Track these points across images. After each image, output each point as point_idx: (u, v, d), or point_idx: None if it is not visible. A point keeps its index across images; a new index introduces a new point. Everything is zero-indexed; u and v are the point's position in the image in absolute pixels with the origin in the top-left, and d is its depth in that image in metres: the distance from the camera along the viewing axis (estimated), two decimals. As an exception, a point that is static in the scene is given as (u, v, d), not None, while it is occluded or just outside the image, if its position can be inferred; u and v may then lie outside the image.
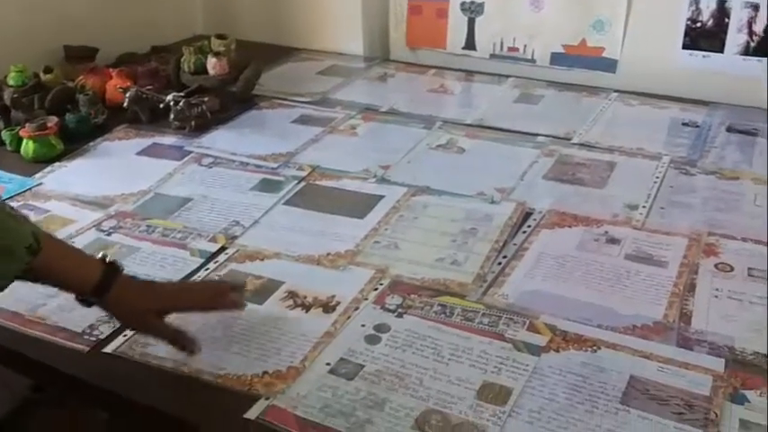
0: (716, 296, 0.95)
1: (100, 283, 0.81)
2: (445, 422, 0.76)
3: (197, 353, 0.85)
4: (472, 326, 0.90)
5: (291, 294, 0.98)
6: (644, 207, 1.17)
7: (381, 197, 1.22)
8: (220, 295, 0.90)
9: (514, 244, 1.08)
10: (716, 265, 1.02)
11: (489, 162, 1.34)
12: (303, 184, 1.27)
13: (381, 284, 0.99)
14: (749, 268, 1.00)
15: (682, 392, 0.79)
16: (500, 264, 1.03)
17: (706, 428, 0.74)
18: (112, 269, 0.83)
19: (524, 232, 1.11)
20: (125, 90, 1.51)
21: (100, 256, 0.85)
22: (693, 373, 0.81)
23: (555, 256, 1.04)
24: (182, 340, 0.86)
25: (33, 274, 0.79)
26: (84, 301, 0.83)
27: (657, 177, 1.26)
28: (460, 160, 1.36)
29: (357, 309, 0.94)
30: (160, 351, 0.87)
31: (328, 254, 1.06)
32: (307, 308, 0.95)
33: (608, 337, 0.88)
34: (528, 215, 1.16)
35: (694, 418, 0.75)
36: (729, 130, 1.45)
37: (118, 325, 0.90)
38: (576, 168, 1.31)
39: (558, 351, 0.85)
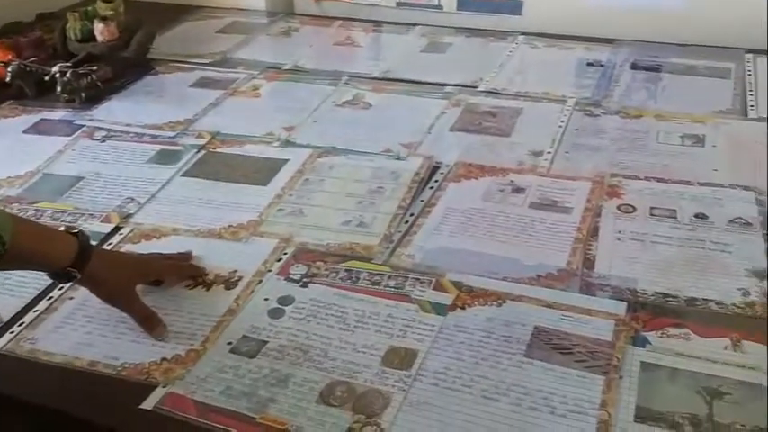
0: (618, 239, 0.96)
1: (79, 255, 0.79)
2: (350, 392, 0.74)
3: (165, 337, 0.83)
4: (378, 290, 0.88)
5: (191, 272, 0.94)
6: (549, 153, 1.17)
7: (286, 161, 1.18)
8: (185, 260, 0.95)
9: (422, 201, 1.06)
10: (618, 207, 1.02)
11: (396, 116, 1.31)
12: (203, 152, 1.21)
13: (285, 254, 0.96)
14: (651, 208, 1.01)
15: (585, 340, 0.79)
16: (407, 222, 1.01)
17: (608, 374, 0.74)
18: (86, 240, 0.82)
19: (431, 188, 1.09)
20: (6, 64, 1.40)
21: (63, 229, 0.83)
22: (596, 319, 0.82)
23: (461, 211, 1.03)
24: (155, 321, 0.84)
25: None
26: (60, 275, 0.81)
27: (562, 121, 1.25)
28: (367, 116, 1.32)
29: (260, 282, 0.91)
30: (50, 346, 0.82)
31: (230, 226, 1.02)
32: (208, 285, 0.91)
33: (513, 289, 0.87)
34: (435, 169, 1.14)
35: (596, 365, 0.76)
36: (634, 67, 1.46)
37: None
38: (482, 117, 1.29)
39: (463, 308, 0.85)
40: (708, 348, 0.77)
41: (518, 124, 1.26)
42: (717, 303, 0.83)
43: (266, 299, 0.88)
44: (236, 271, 0.93)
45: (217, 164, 1.18)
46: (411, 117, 1.30)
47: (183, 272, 0.93)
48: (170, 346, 0.81)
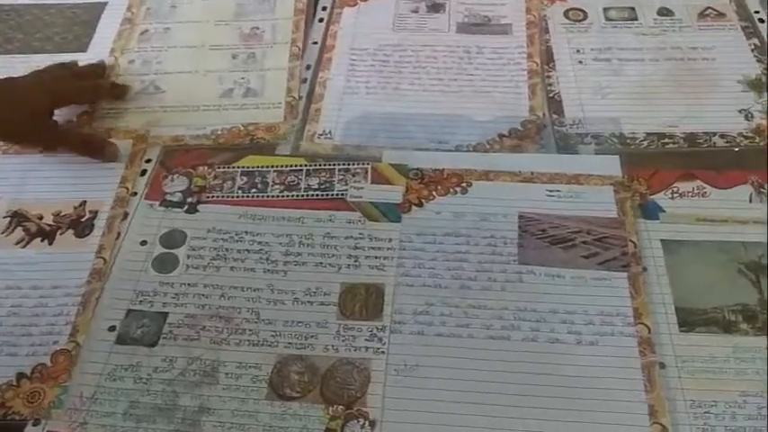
0: (580, 61, 0.75)
1: None
2: (311, 372, 0.53)
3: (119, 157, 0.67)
4: (300, 196, 0.64)
5: (16, 217, 0.64)
6: (458, -58, 0.89)
7: (103, 5, 0.83)
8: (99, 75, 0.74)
9: (314, 43, 0.78)
10: (566, 14, 0.80)
11: None
12: (-27, 10, 0.83)
13: (149, 161, 0.67)
14: (605, 9, 0.80)
15: (585, 222, 0.61)
16: (305, 81, 0.74)
17: (629, 269, 0.58)
18: None
19: (321, 20, 0.80)
20: None
21: None
22: (590, 188, 0.63)
23: (371, 52, 0.77)
24: (97, 142, 0.68)
25: None
26: None
27: None
28: None
29: (125, 217, 0.63)
30: None
31: (52, 130, 0.70)
32: (49, 236, 0.62)
33: (474, 162, 0.66)
34: (319, -13, 0.84)
35: (611, 258, 0.59)
36: None
37: None
38: None
39: (420, 205, 0.63)
40: (730, 204, 0.62)
41: None
42: (721, 137, 0.67)
43: (143, 242, 0.61)
44: (83, 203, 0.64)
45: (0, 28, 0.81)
46: None
47: (103, 93, 0.73)
48: (25, 354, 0.55)
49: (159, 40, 0.79)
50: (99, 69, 0.74)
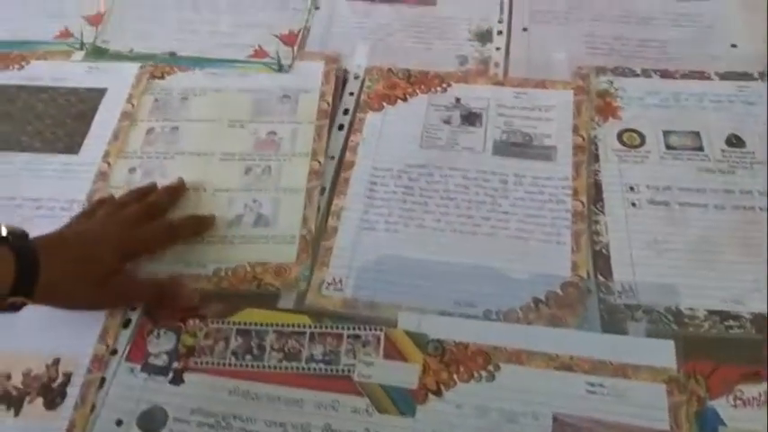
0: (633, 203, 0.65)
1: (20, 273, 0.51)
2: None
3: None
4: (300, 370, 0.56)
5: (-18, 374, 0.57)
6: (500, 33, 0.79)
7: (101, 93, 0.75)
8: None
9: (332, 157, 0.69)
10: (620, 136, 0.70)
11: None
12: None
13: (135, 308, 0.60)
14: (665, 133, 0.70)
15: None
16: (319, 210, 0.65)
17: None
18: (24, 244, 0.53)
19: (341, 127, 0.71)
20: None
21: None
22: (638, 385, 0.54)
23: (395, 173, 0.67)
24: (175, 286, 0.60)
25: None
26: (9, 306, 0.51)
27: (511, -31, 0.86)
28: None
29: (102, 384, 0.55)
30: None
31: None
32: (15, 403, 0.55)
33: (505, 335, 0.57)
34: (344, 83, 0.75)
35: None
36: None
37: None
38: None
39: (438, 393, 0.54)
40: (803, 420, 0.53)
41: (445, -17, 0.85)
42: (796, 322, 0.57)
43: (119, 421, 0.54)
44: (57, 361, 0.57)
45: (-13, 113, 0.73)
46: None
47: (181, 236, 0.63)
48: None
49: (165, 142, 0.70)
50: (175, 193, 0.66)
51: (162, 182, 0.67)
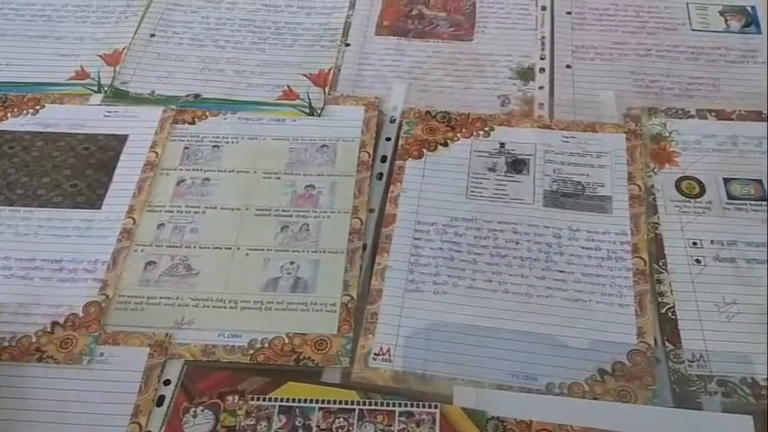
0: (698, 260, 0.61)
1: None
2: None
3: None
4: (349, 454, 0.52)
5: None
6: (542, 71, 0.75)
7: (123, 140, 0.70)
8: None
9: (371, 210, 0.65)
10: (678, 185, 0.66)
11: (284, 16, 0.81)
12: (-29, 142, 0.71)
13: (169, 383, 0.55)
14: (725, 181, 0.66)
15: None
16: (361, 269, 0.61)
17: None
18: None
19: (380, 176, 0.67)
20: None
21: None
22: (718, 468, 0.50)
23: (440, 228, 0.63)
24: None
25: None
26: None
27: (544, 5, 0.81)
28: (234, 20, 0.82)
29: (136, 473, 0.51)
30: None
31: (42, 330, 0.57)
32: (41, 494, 0.51)
33: (569, 413, 0.52)
34: (379, 127, 0.71)
35: None
36: None
37: None
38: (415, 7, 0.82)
39: (503, 479, 0.50)
40: None
41: (480, 11, 0.81)
42: None
43: None
44: (82, 444, 0.52)
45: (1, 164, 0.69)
46: (306, 15, 0.81)
47: None
48: None
49: (196, 194, 0.65)
50: None
51: (193, 239, 0.62)
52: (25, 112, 0.73)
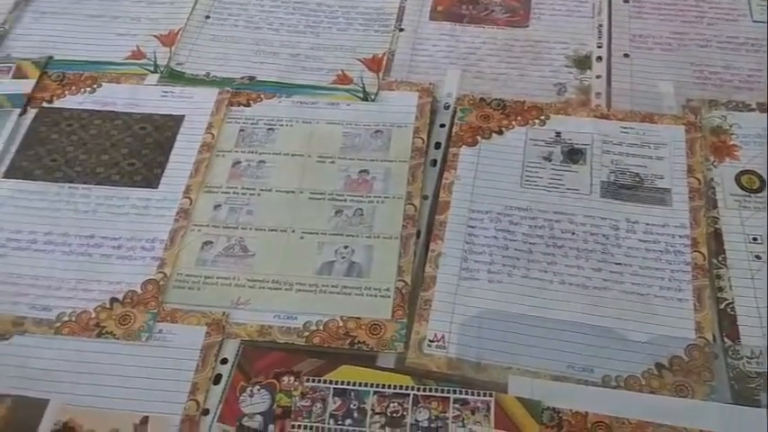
0: (758, 256, 0.60)
1: None
2: None
3: None
4: (404, 439, 0.52)
5: (66, 432, 0.53)
6: (599, 60, 0.74)
7: (179, 120, 0.71)
8: None
9: (425, 197, 0.65)
10: (738, 178, 0.65)
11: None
12: (32, 113, 0.72)
13: (226, 362, 0.56)
14: (787, 174, 0.65)
15: None
16: (415, 255, 0.61)
17: None
18: None
19: (434, 163, 0.67)
20: None
21: None
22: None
23: (495, 216, 0.63)
24: None
25: None
26: None
27: (605, -10, 0.80)
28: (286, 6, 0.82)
29: (193, 448, 0.52)
30: None
31: (101, 306, 0.59)
32: (102, 466, 0.52)
33: (626, 406, 0.52)
34: (433, 113, 0.70)
35: None
36: None
37: None
38: (478, -9, 0.81)
39: (558, 469, 0.50)
40: None
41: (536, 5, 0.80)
42: None
43: (215, 492, 0.50)
44: (145, 420, 0.53)
45: (57, 141, 0.70)
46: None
47: None
48: None
49: (252, 176, 0.66)
50: None
51: (249, 221, 0.63)
52: (83, 90, 0.74)
